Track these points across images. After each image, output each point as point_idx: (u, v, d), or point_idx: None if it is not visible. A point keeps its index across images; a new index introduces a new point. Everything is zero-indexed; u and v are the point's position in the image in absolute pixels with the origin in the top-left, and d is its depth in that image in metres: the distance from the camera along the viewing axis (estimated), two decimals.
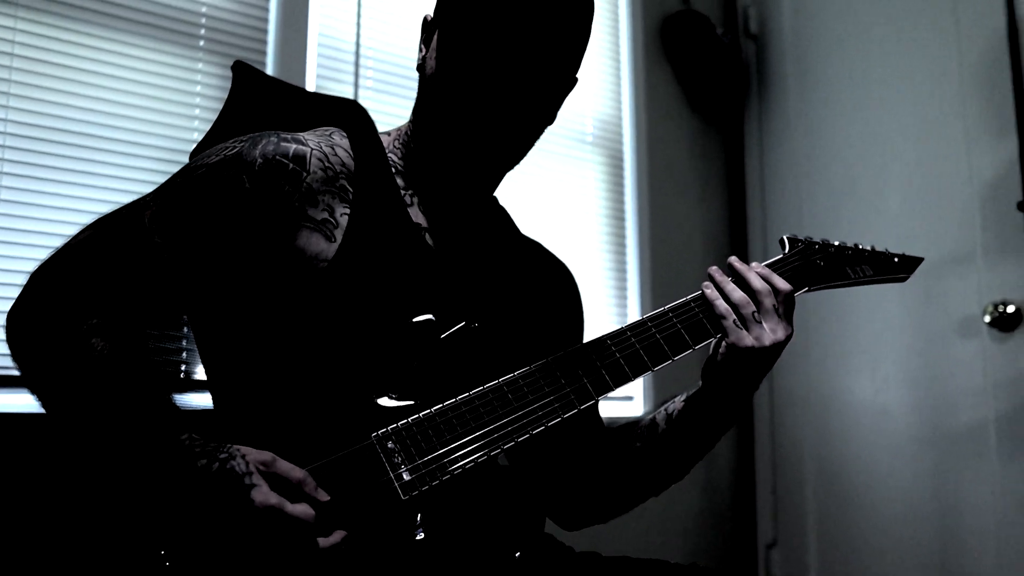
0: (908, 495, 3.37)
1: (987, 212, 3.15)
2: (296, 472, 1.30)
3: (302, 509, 1.25)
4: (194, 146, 1.71)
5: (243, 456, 1.28)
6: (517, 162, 1.69)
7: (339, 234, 1.51)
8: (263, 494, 1.24)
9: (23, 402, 1.96)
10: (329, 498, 1.30)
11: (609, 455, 1.82)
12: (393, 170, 1.67)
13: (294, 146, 1.54)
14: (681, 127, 4.03)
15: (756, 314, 1.61)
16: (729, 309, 1.61)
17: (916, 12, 3.51)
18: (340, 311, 1.49)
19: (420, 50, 1.67)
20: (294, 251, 1.49)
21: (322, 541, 1.27)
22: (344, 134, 1.66)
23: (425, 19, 1.67)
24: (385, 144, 1.71)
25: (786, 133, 4.02)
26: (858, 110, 3.71)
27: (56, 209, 2.24)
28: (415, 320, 1.50)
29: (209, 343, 1.63)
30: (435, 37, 1.60)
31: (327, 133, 1.64)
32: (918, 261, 1.93)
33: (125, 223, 1.48)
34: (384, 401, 1.42)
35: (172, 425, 1.33)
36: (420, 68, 1.66)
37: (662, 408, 1.79)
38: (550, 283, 1.91)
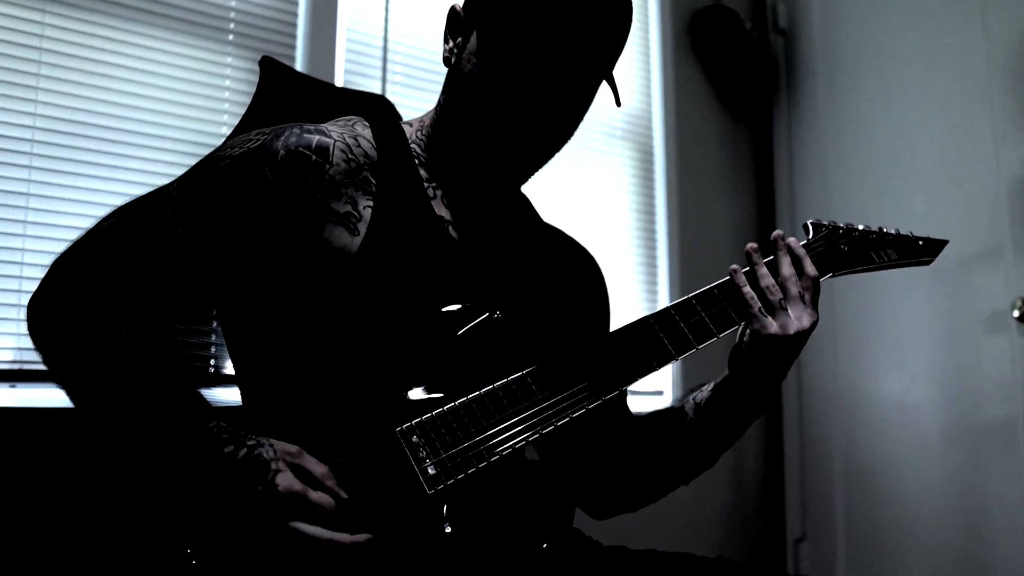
0: (936, 491, 3.35)
1: (1015, 207, 3.14)
2: (320, 467, 1.31)
3: (325, 498, 1.27)
4: (222, 141, 1.71)
5: (271, 445, 1.30)
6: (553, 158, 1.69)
7: (362, 227, 1.51)
8: (288, 480, 1.26)
9: (49, 397, 1.98)
10: (346, 496, 1.31)
11: (638, 443, 1.81)
12: (417, 162, 1.66)
13: (317, 137, 1.53)
14: (710, 122, 4.03)
15: (783, 301, 1.61)
16: (755, 296, 1.61)
17: (944, 7, 3.49)
18: (365, 304, 1.49)
19: (447, 42, 1.65)
20: (319, 244, 1.48)
21: (346, 538, 1.28)
22: (367, 124, 1.65)
23: (454, 9, 1.64)
24: (408, 135, 1.69)
25: (814, 128, 4.00)
26: (886, 106, 3.69)
27: (85, 204, 2.24)
28: (444, 310, 1.50)
29: (237, 336, 1.63)
30: (473, 35, 1.58)
31: (350, 123, 1.64)
32: (943, 244, 1.90)
33: (148, 212, 1.49)
34: (413, 394, 1.43)
35: (199, 413, 1.34)
36: (449, 62, 1.64)
37: (690, 396, 1.79)
38: (574, 270, 1.90)
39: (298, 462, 1.30)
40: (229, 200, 1.48)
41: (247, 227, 1.48)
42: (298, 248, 1.49)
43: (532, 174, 1.69)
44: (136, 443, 1.35)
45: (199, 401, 1.37)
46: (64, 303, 1.43)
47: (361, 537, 1.29)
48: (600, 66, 1.60)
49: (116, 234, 1.47)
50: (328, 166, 1.51)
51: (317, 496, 1.26)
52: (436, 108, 1.71)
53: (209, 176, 1.51)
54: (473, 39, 1.58)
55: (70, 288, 1.44)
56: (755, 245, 1.67)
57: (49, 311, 1.44)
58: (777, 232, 1.69)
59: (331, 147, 1.53)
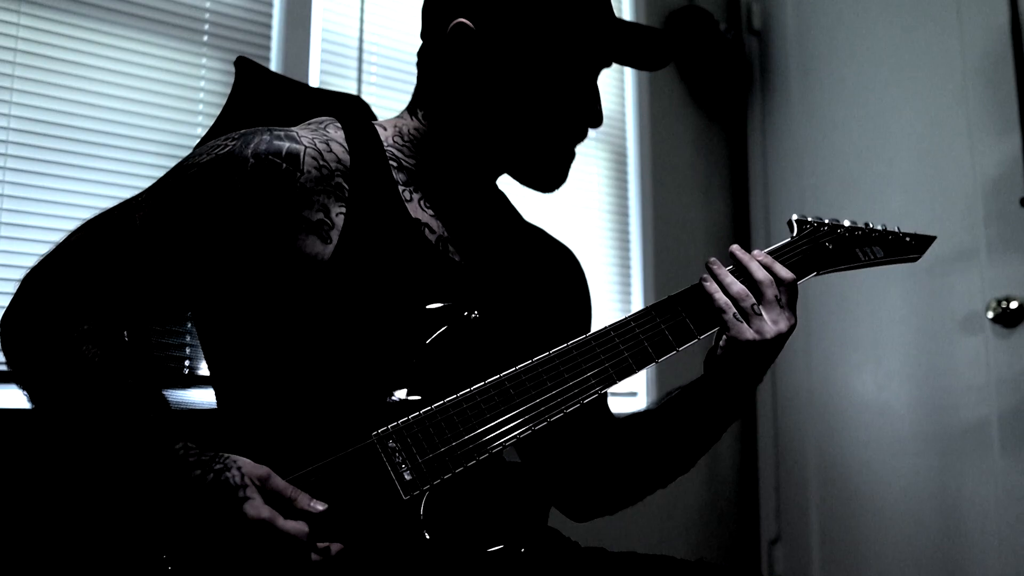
0: (910, 491, 3.37)
1: (990, 208, 3.15)
2: (289, 490, 1.29)
3: (294, 525, 1.24)
4: (197, 141, 1.70)
5: (239, 468, 1.27)
6: None
7: (335, 235, 1.49)
8: (255, 507, 1.23)
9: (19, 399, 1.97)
10: (326, 507, 1.29)
11: (617, 445, 1.80)
12: (395, 165, 1.64)
13: (287, 144, 1.51)
14: (684, 123, 4.03)
15: (757, 306, 1.58)
16: (728, 303, 1.58)
17: (919, 8, 3.51)
18: (339, 311, 1.47)
19: (453, 54, 1.63)
20: (292, 252, 1.47)
21: (317, 551, 1.27)
22: (339, 126, 1.64)
23: (462, 26, 1.61)
24: (384, 138, 1.68)
25: (789, 129, 4.01)
26: (861, 106, 3.71)
27: (60, 204, 2.23)
28: (420, 311, 1.49)
29: (212, 340, 1.61)
30: (507, 48, 1.60)
31: (322, 125, 1.63)
32: (931, 239, 1.88)
33: (116, 225, 1.47)
34: (390, 398, 1.42)
35: (166, 434, 1.31)
36: (466, 76, 1.63)
37: (666, 399, 1.77)
38: (556, 270, 1.90)
39: (268, 487, 1.27)
40: (198, 209, 1.46)
41: (218, 236, 1.46)
42: (271, 256, 1.47)
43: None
44: (103, 465, 1.33)
45: (167, 420, 1.35)
46: (32, 321, 1.42)
47: (334, 547, 1.28)
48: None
49: (84, 248, 1.46)
50: (299, 174, 1.49)
51: (285, 524, 1.24)
52: (423, 115, 1.70)
53: (178, 185, 1.49)
54: (511, 51, 1.61)
55: (38, 305, 1.43)
56: (715, 259, 1.66)
57: (18, 328, 1.43)
58: (733, 247, 1.68)
59: (301, 154, 1.51)
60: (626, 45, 1.67)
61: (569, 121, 1.65)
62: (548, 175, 1.69)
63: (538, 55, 1.59)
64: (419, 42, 1.72)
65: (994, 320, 3.07)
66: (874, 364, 3.56)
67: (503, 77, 1.61)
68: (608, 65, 1.70)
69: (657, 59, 1.71)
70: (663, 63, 1.72)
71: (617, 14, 1.68)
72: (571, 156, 1.70)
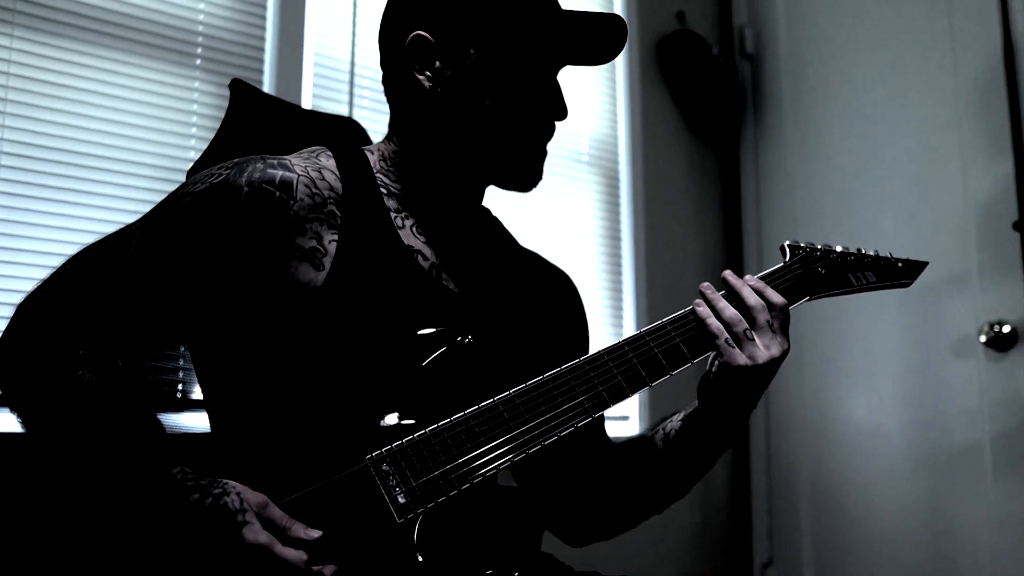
0: (903, 514, 3.36)
1: (983, 232, 3.16)
2: (284, 520, 1.29)
3: (293, 553, 1.24)
4: (191, 164, 1.70)
5: (237, 493, 1.27)
6: None
7: (327, 262, 1.50)
8: (254, 532, 1.24)
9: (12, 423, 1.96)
10: (320, 535, 1.29)
11: (612, 471, 1.80)
12: (385, 191, 1.65)
13: (280, 172, 1.52)
14: (677, 147, 4.04)
15: (749, 331, 1.57)
16: (721, 328, 1.57)
17: (912, 32, 3.52)
18: (332, 337, 1.48)
19: (419, 72, 1.64)
20: (285, 279, 1.47)
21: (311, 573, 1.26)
22: (330, 154, 1.65)
23: (421, 37, 1.63)
24: (372, 164, 1.69)
25: (782, 153, 4.02)
26: (854, 130, 3.72)
27: (52, 228, 2.23)
28: (415, 335, 1.49)
29: (206, 366, 1.62)
30: (471, 54, 1.62)
31: (314, 154, 1.63)
32: (923, 265, 1.88)
33: (111, 253, 1.47)
34: (384, 422, 1.42)
35: (163, 459, 1.32)
36: (436, 91, 1.63)
37: (660, 427, 1.76)
38: (552, 294, 1.89)
39: (266, 515, 1.27)
40: (193, 238, 1.46)
41: (212, 263, 1.46)
42: (264, 284, 1.47)
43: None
44: (100, 491, 1.33)
45: (164, 444, 1.35)
46: (27, 349, 1.42)
47: (328, 570, 1.27)
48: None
49: (78, 276, 1.46)
50: (292, 202, 1.50)
51: (283, 551, 1.24)
52: (397, 138, 1.72)
53: (172, 214, 1.49)
54: (473, 54, 1.61)
55: (33, 333, 1.43)
56: (708, 284, 1.66)
57: (12, 357, 1.42)
58: (725, 272, 1.68)
59: (295, 182, 1.52)
60: (578, 39, 1.68)
61: (534, 119, 1.65)
62: (522, 175, 1.69)
63: (495, 57, 1.61)
64: None
65: (987, 344, 3.08)
66: (867, 387, 3.56)
67: (464, 83, 1.62)
68: (565, 63, 1.71)
69: (609, 48, 1.72)
70: (615, 52, 1.73)
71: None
72: (543, 153, 1.70)
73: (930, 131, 3.40)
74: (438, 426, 1.41)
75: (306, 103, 2.75)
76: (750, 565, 3.96)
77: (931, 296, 3.26)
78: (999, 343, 3.05)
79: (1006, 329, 3.03)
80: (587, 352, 1.66)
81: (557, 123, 1.70)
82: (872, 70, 3.67)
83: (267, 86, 2.69)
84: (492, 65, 1.60)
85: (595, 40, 1.69)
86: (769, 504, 3.93)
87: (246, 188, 1.48)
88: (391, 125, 1.75)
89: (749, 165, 4.17)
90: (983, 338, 3.08)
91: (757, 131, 4.15)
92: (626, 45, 1.72)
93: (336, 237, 1.52)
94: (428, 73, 1.64)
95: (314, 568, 1.26)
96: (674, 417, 1.74)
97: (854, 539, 3.54)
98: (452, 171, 1.67)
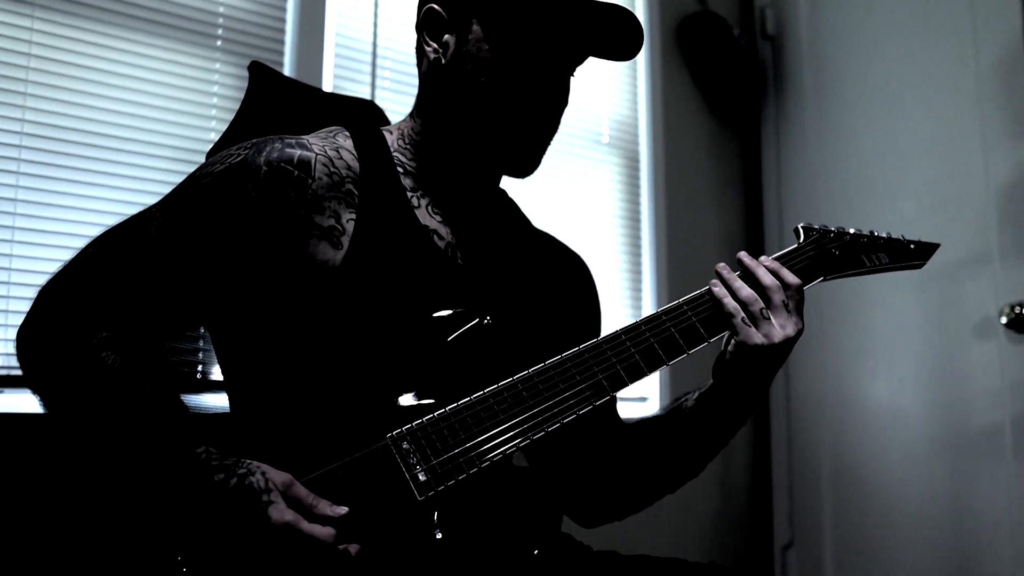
0: (924, 496, 3.36)
1: (1004, 214, 3.14)
2: (310, 498, 1.29)
3: (320, 529, 1.25)
4: (211, 146, 1.71)
5: (262, 473, 1.28)
6: None
7: (346, 240, 1.51)
8: (280, 511, 1.24)
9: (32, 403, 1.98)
10: (347, 511, 1.29)
11: (625, 451, 1.81)
12: (401, 170, 1.66)
13: (299, 152, 1.53)
14: (698, 128, 4.03)
15: (765, 311, 1.59)
16: (737, 307, 1.59)
17: (933, 14, 3.50)
18: (351, 315, 1.49)
19: (427, 44, 1.66)
20: (303, 258, 1.48)
21: (338, 553, 1.27)
22: (348, 134, 1.65)
23: (433, 10, 1.65)
24: (390, 143, 1.70)
25: (803, 135, 4.01)
26: (875, 111, 3.70)
27: (74, 209, 2.24)
28: (434, 316, 1.50)
29: (225, 347, 1.63)
30: (474, 26, 1.60)
31: (331, 134, 1.64)
32: (934, 247, 1.90)
33: (131, 235, 1.48)
34: (403, 400, 1.42)
35: (188, 438, 1.33)
36: (439, 63, 1.64)
37: (675, 405, 1.77)
38: (565, 276, 1.90)
39: (291, 493, 1.28)
40: (213, 218, 1.47)
41: (232, 243, 1.47)
42: (283, 263, 1.48)
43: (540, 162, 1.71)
44: (125, 471, 1.34)
45: (188, 424, 1.36)
46: (50, 331, 1.42)
47: (352, 548, 1.28)
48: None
49: (100, 259, 1.47)
50: (311, 180, 1.51)
51: (310, 527, 1.25)
52: (417, 114, 1.72)
53: (192, 195, 1.51)
54: (476, 29, 1.60)
55: (56, 316, 1.43)
56: (724, 264, 1.66)
57: (36, 340, 1.43)
58: (740, 253, 1.68)
59: (313, 161, 1.53)
60: (585, 29, 1.62)
61: (529, 103, 1.61)
62: (515, 159, 1.66)
63: (494, 33, 1.58)
64: None
65: (1007, 325, 3.06)
66: (887, 369, 3.55)
67: (464, 58, 1.61)
68: (580, 61, 1.69)
69: (622, 43, 1.67)
70: (630, 49, 1.68)
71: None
72: (540, 140, 1.66)
73: (951, 113, 3.38)
74: (458, 405, 1.42)
75: (327, 85, 2.75)
76: (771, 547, 3.96)
77: (952, 278, 3.24)
78: (1020, 325, 3.04)
79: None
80: (599, 333, 1.66)
81: (567, 108, 1.68)
82: (893, 52, 3.65)
83: (287, 68, 2.69)
84: (491, 42, 1.58)
85: (603, 31, 1.65)
86: (790, 486, 3.92)
87: (264, 167, 1.49)
88: (415, 101, 1.75)
89: (770, 147, 4.15)
90: (1004, 320, 3.06)
91: (778, 113, 4.13)
92: (647, 27, 1.70)
93: (354, 216, 1.53)
94: (435, 45, 1.65)
95: (340, 546, 1.27)
96: (689, 396, 1.75)
97: (875, 521, 3.54)
98: (459, 149, 1.66)
